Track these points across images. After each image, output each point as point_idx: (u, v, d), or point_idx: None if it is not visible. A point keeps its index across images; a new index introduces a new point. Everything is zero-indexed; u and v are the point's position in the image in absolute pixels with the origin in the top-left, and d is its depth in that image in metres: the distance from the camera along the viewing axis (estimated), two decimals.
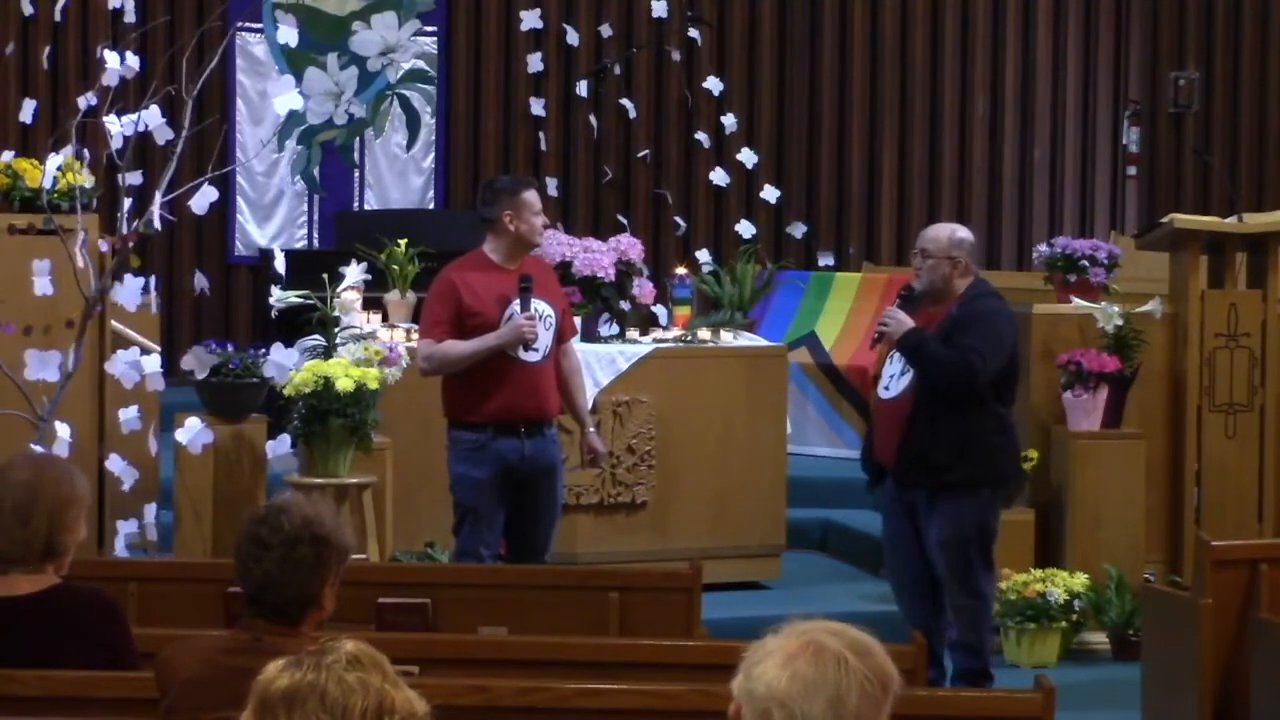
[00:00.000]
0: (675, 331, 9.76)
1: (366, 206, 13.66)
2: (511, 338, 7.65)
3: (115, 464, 7.88)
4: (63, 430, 7.64)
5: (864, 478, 7.87)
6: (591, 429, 8.14)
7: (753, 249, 11.16)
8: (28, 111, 8.77)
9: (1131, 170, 14.51)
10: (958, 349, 7.42)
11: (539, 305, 7.73)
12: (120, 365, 7.72)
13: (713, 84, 14.03)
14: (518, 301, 7.68)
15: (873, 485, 7.77)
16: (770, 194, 14.02)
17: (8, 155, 8.50)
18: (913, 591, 7.64)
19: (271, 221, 13.51)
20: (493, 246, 7.81)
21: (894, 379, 7.53)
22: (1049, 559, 9.03)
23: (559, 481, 7.94)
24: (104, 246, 8.06)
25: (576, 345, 9.20)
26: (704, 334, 9.66)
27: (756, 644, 3.03)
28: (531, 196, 7.82)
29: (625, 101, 13.97)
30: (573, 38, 13.89)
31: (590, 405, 9.17)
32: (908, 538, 7.57)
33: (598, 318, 9.45)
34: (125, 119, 7.71)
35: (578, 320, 9.31)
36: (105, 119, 7.73)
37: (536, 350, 7.72)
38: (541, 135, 13.89)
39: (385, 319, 9.36)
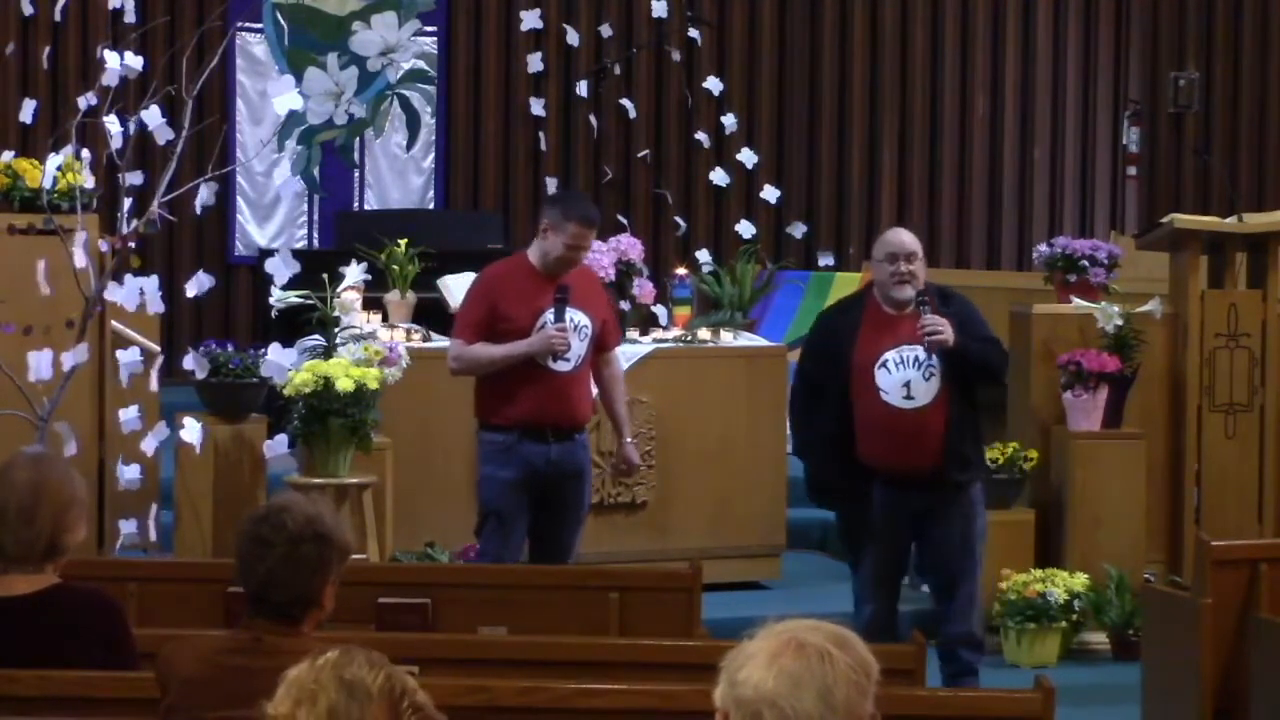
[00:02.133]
0: (675, 331, 9.77)
1: (366, 206, 13.66)
2: (541, 348, 7.57)
3: (124, 469, 7.88)
4: (66, 430, 7.66)
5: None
6: (629, 440, 8.08)
7: (753, 249, 11.17)
8: (28, 111, 8.77)
9: (1131, 170, 14.51)
10: (987, 341, 7.53)
11: (574, 316, 7.62)
12: (123, 365, 7.73)
13: (713, 84, 14.03)
14: (551, 311, 7.61)
15: (850, 495, 7.54)
16: (770, 194, 14.02)
17: (8, 155, 8.50)
18: (888, 593, 7.61)
19: (271, 221, 13.51)
20: (533, 251, 7.73)
21: (912, 385, 7.37)
22: (1049, 559, 9.03)
23: (586, 486, 7.87)
24: (104, 246, 8.06)
25: None
26: (704, 334, 9.66)
27: (734, 650, 3.04)
28: (576, 228, 7.59)
29: (625, 101, 13.97)
30: (573, 38, 13.89)
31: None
32: (904, 540, 7.53)
33: None
34: (130, 121, 7.71)
35: None
36: (105, 119, 7.73)
37: (568, 360, 7.62)
38: (541, 135, 13.89)
39: (385, 319, 9.36)
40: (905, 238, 7.56)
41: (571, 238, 7.61)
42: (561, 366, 7.62)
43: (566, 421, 7.68)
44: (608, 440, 9.26)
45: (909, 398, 7.39)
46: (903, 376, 7.39)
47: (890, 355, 7.39)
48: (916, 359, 7.38)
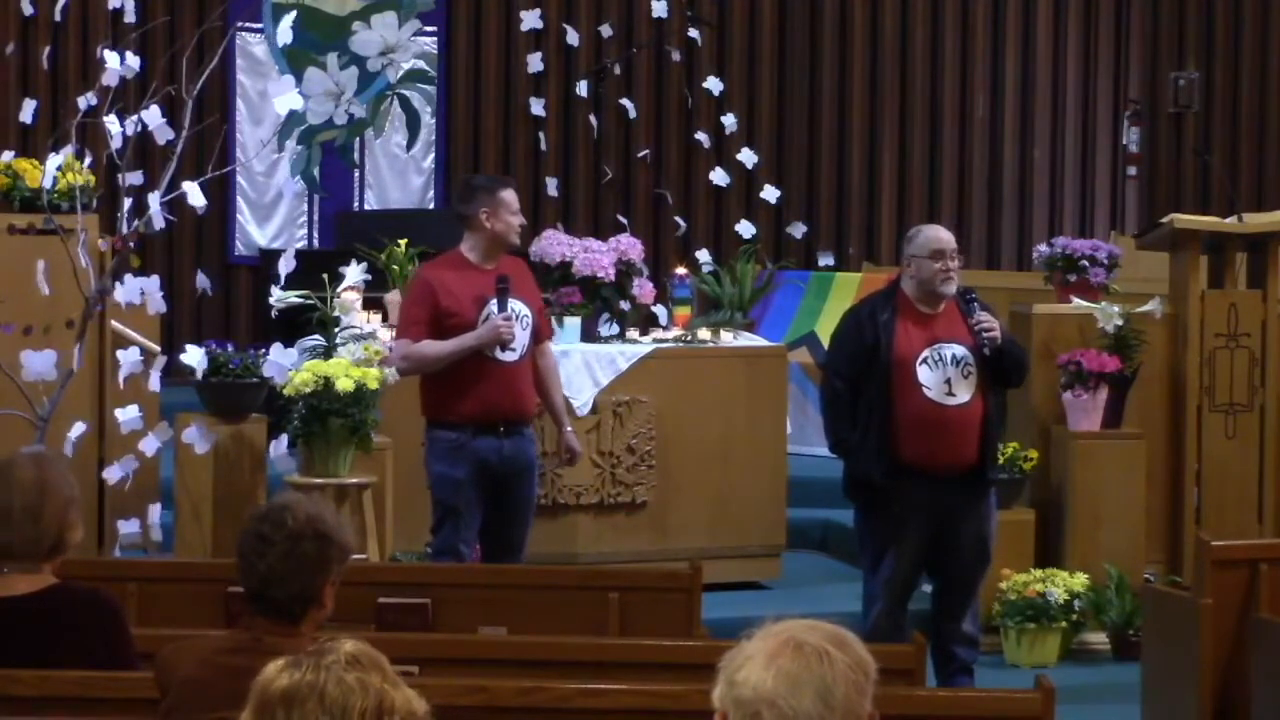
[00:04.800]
0: (675, 331, 9.76)
1: (366, 206, 13.66)
2: (489, 338, 7.66)
3: (110, 468, 7.89)
4: (74, 430, 7.67)
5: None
6: (569, 429, 8.12)
7: (753, 249, 11.16)
8: (28, 111, 8.78)
9: (1131, 170, 14.50)
10: (1013, 343, 7.66)
11: (515, 305, 7.73)
12: (123, 366, 7.74)
13: (713, 84, 14.03)
14: (495, 302, 7.68)
15: (889, 492, 7.49)
16: (770, 194, 14.02)
17: (8, 155, 8.50)
18: (904, 594, 7.61)
19: (271, 221, 13.51)
20: (469, 245, 7.81)
21: (953, 382, 7.39)
22: (1049, 559, 9.03)
23: (534, 480, 7.99)
24: (104, 246, 8.07)
25: (575, 346, 9.23)
26: (704, 334, 9.66)
27: (732, 651, 3.04)
28: (509, 196, 7.79)
29: (625, 101, 13.96)
30: (573, 38, 13.89)
31: (590, 405, 9.20)
32: (929, 539, 7.51)
33: (598, 318, 9.45)
34: (129, 121, 7.72)
35: (577, 320, 9.32)
36: (105, 119, 7.73)
37: (514, 351, 7.72)
38: (541, 135, 13.89)
39: (385, 319, 9.36)
40: (945, 235, 7.61)
41: (512, 207, 7.75)
42: (508, 357, 7.71)
43: (516, 414, 7.78)
44: (607, 439, 9.27)
45: (950, 394, 7.41)
46: (943, 373, 7.40)
47: (929, 352, 7.41)
48: (954, 356, 7.40)
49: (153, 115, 7.74)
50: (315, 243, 13.49)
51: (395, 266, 9.51)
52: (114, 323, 8.32)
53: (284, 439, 8.13)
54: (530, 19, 13.81)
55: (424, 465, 7.91)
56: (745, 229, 13.89)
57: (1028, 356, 7.84)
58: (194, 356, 8.08)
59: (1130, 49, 14.49)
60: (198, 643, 4.47)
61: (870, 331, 7.47)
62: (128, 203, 7.97)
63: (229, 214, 13.34)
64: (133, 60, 7.86)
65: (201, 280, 8.04)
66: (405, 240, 9.59)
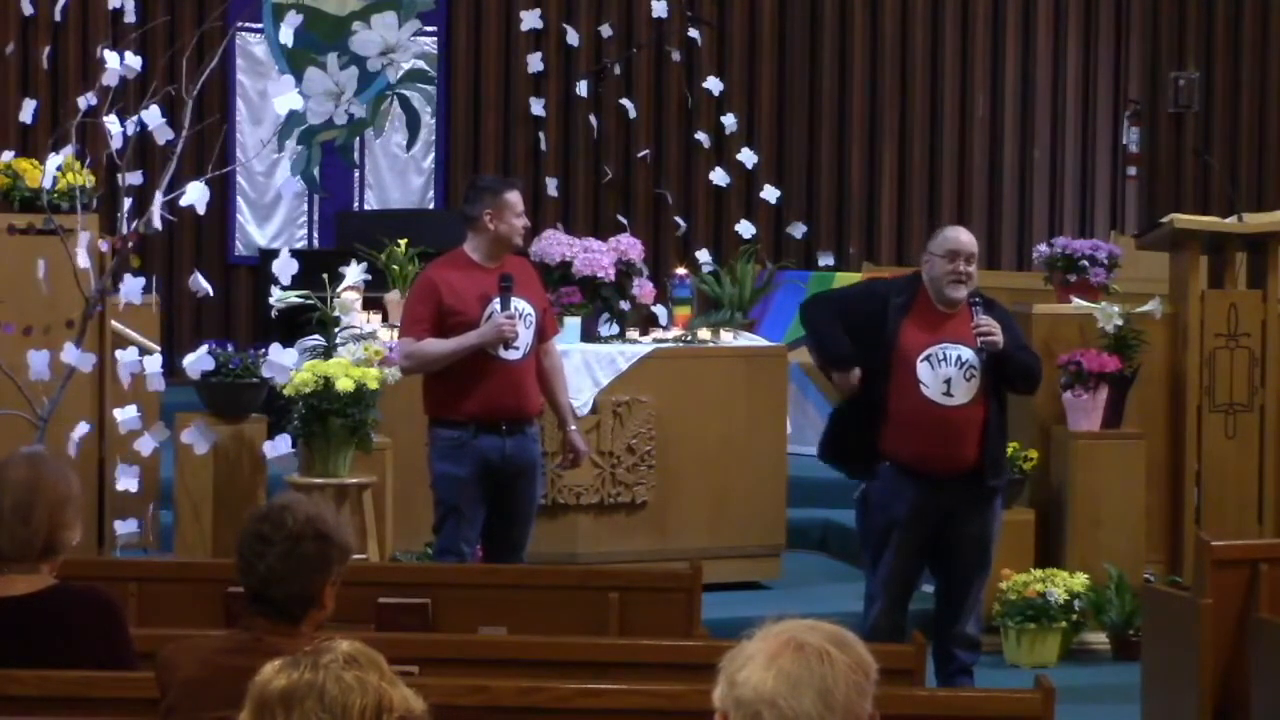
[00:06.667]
0: (675, 331, 9.76)
1: (366, 206, 13.66)
2: (491, 336, 7.67)
3: (121, 473, 7.89)
4: (76, 431, 7.67)
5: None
6: (573, 428, 8.12)
7: (753, 249, 11.16)
8: (28, 111, 8.78)
9: (1131, 170, 14.51)
10: (1026, 351, 7.61)
11: (519, 304, 7.75)
12: (123, 365, 7.74)
13: (713, 84, 14.03)
14: (498, 300, 7.69)
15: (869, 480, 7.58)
16: (770, 194, 14.02)
17: (8, 155, 8.50)
18: (904, 593, 7.60)
19: (271, 221, 13.51)
20: (473, 245, 7.83)
21: (953, 383, 7.35)
22: (1049, 559, 9.03)
23: (538, 480, 7.98)
24: (104, 246, 8.07)
25: (575, 346, 9.23)
26: (704, 334, 9.66)
27: (733, 651, 3.04)
28: (514, 197, 7.80)
29: (625, 101, 13.97)
30: (573, 38, 13.89)
31: (590, 405, 9.20)
32: (925, 543, 7.51)
33: (598, 318, 9.45)
34: (129, 121, 7.72)
35: (577, 320, 9.32)
36: (105, 119, 7.73)
37: (517, 349, 7.73)
38: (541, 135, 13.89)
39: (385, 319, 9.36)
40: (965, 237, 7.55)
41: (516, 209, 7.76)
42: (511, 355, 7.72)
43: (519, 412, 7.78)
44: (607, 439, 9.27)
45: (948, 394, 7.37)
46: (945, 373, 7.36)
47: (934, 350, 7.38)
48: (959, 358, 7.37)
49: (153, 115, 7.74)
50: (315, 243, 13.49)
51: (395, 266, 9.51)
52: (114, 323, 8.32)
53: (279, 439, 8.13)
54: (530, 19, 13.81)
55: (427, 464, 7.91)
56: (745, 229, 13.89)
57: (1040, 364, 7.68)
58: (192, 359, 8.06)
59: (1130, 49, 14.50)
60: (198, 643, 4.47)
61: (882, 307, 7.45)
62: (128, 203, 7.97)
63: (229, 214, 13.34)
64: (133, 60, 7.86)
65: (197, 283, 8.02)
66: (405, 240, 9.60)
